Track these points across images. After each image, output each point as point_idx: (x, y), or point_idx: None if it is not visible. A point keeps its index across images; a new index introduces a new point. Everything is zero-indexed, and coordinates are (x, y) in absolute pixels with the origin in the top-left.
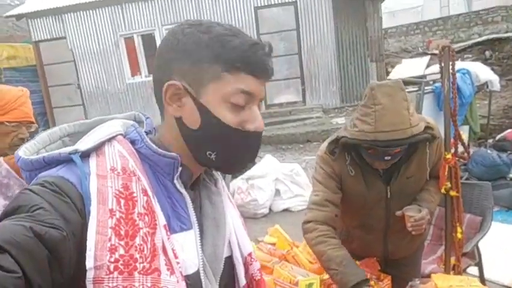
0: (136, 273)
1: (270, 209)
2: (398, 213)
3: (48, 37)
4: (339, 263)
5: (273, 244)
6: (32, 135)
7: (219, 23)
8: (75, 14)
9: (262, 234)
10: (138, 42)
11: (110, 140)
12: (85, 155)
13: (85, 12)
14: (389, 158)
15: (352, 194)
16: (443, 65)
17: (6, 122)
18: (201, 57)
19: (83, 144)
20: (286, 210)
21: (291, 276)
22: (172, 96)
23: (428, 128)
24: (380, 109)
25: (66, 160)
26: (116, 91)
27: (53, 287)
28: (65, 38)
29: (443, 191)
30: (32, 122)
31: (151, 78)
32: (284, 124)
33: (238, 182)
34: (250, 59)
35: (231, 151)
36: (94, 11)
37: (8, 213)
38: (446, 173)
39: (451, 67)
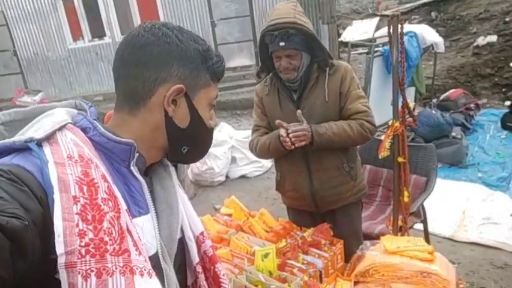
0: (107, 255)
1: (227, 176)
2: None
3: None
4: (268, 137)
5: (230, 215)
6: None
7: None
8: None
9: (219, 201)
10: (78, 3)
11: (60, 128)
12: (38, 144)
13: None
14: (283, 43)
15: (270, 115)
16: (392, 32)
17: None
18: (198, 65)
19: (35, 133)
20: (243, 176)
21: (247, 247)
22: (173, 97)
23: (329, 57)
24: (274, 10)
25: (20, 148)
26: (58, 57)
27: (18, 277)
28: None
29: (380, 156)
30: None
31: (95, 42)
32: (238, 89)
33: None
34: (222, 72)
35: (200, 146)
36: None
37: None
38: (388, 140)
39: (399, 36)
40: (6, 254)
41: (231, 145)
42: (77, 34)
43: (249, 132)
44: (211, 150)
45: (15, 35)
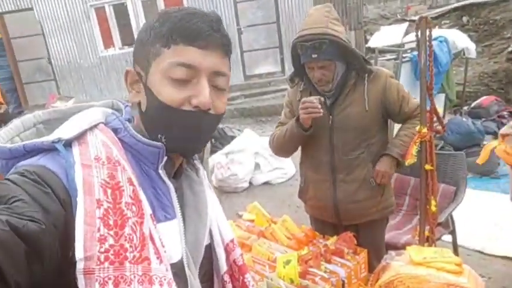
0: (126, 263)
1: (250, 183)
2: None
3: (14, 8)
4: (286, 126)
5: (252, 221)
6: (2, 116)
7: (184, 7)
8: None
9: (242, 208)
10: (110, 12)
11: (91, 128)
12: (67, 144)
13: None
14: (316, 55)
15: None
16: (419, 36)
17: None
18: (146, 40)
19: (65, 133)
20: (266, 183)
21: (269, 253)
22: (131, 83)
23: (366, 61)
24: (307, 17)
25: (48, 149)
26: (89, 65)
27: (35, 281)
28: (32, 9)
29: (407, 163)
30: (1, 103)
31: (125, 50)
32: (264, 96)
33: (217, 157)
34: (185, 28)
35: (176, 132)
36: None
37: None
38: (415, 146)
39: (427, 39)
40: (21, 258)
41: (255, 151)
42: (108, 42)
43: None
44: (235, 156)
45: (50, 44)
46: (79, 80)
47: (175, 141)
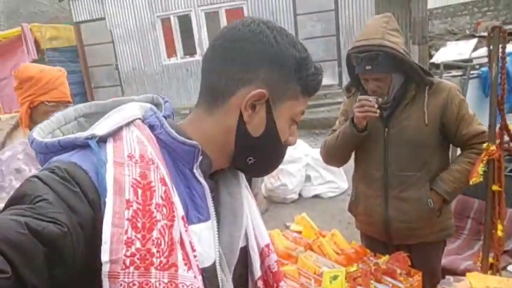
0: (152, 269)
1: (300, 195)
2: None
3: (89, 18)
4: (338, 131)
5: (299, 232)
6: None
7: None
8: None
9: (290, 219)
10: (174, 23)
11: (128, 124)
12: (102, 140)
13: None
14: (370, 67)
15: None
16: (491, 47)
17: (46, 101)
18: (290, 73)
19: (100, 129)
20: (316, 196)
21: (315, 267)
22: (253, 102)
23: (427, 73)
24: (365, 27)
25: (82, 145)
26: (153, 72)
27: (57, 284)
28: (104, 19)
29: (471, 182)
30: (70, 102)
31: (186, 59)
32: (319, 108)
33: None
34: (316, 87)
35: (268, 160)
36: None
37: (13, 200)
38: (482, 165)
39: (500, 50)
40: (39, 261)
41: (306, 163)
42: (171, 51)
43: None
44: (285, 166)
45: (118, 51)
46: (142, 86)
47: (261, 167)
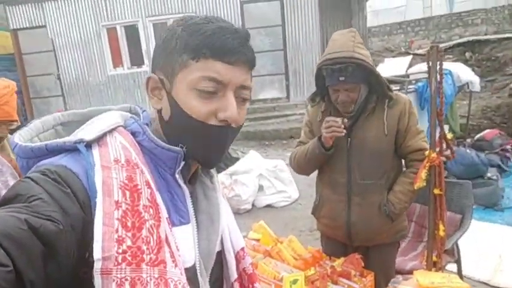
0: (143, 265)
1: (253, 205)
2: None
3: (28, 25)
4: (307, 146)
5: (257, 240)
6: (13, 131)
7: (210, 16)
8: (56, 2)
9: (244, 229)
10: (121, 33)
11: (111, 131)
12: (87, 146)
13: (66, 1)
14: (343, 78)
15: None
16: (430, 64)
17: None
18: (172, 48)
19: (85, 134)
20: (269, 206)
21: (275, 272)
22: (152, 89)
23: (389, 89)
24: (332, 41)
25: (69, 149)
26: (98, 83)
27: (50, 281)
28: (45, 26)
29: (416, 187)
30: (15, 121)
31: (133, 70)
32: (268, 120)
33: (221, 177)
34: (216, 43)
35: (200, 144)
36: (76, 0)
37: (6, 201)
38: (425, 171)
39: (438, 66)
40: (36, 257)
41: (259, 173)
42: (117, 61)
43: (277, 161)
44: (239, 177)
45: (60, 61)
46: (87, 96)
47: (197, 151)
